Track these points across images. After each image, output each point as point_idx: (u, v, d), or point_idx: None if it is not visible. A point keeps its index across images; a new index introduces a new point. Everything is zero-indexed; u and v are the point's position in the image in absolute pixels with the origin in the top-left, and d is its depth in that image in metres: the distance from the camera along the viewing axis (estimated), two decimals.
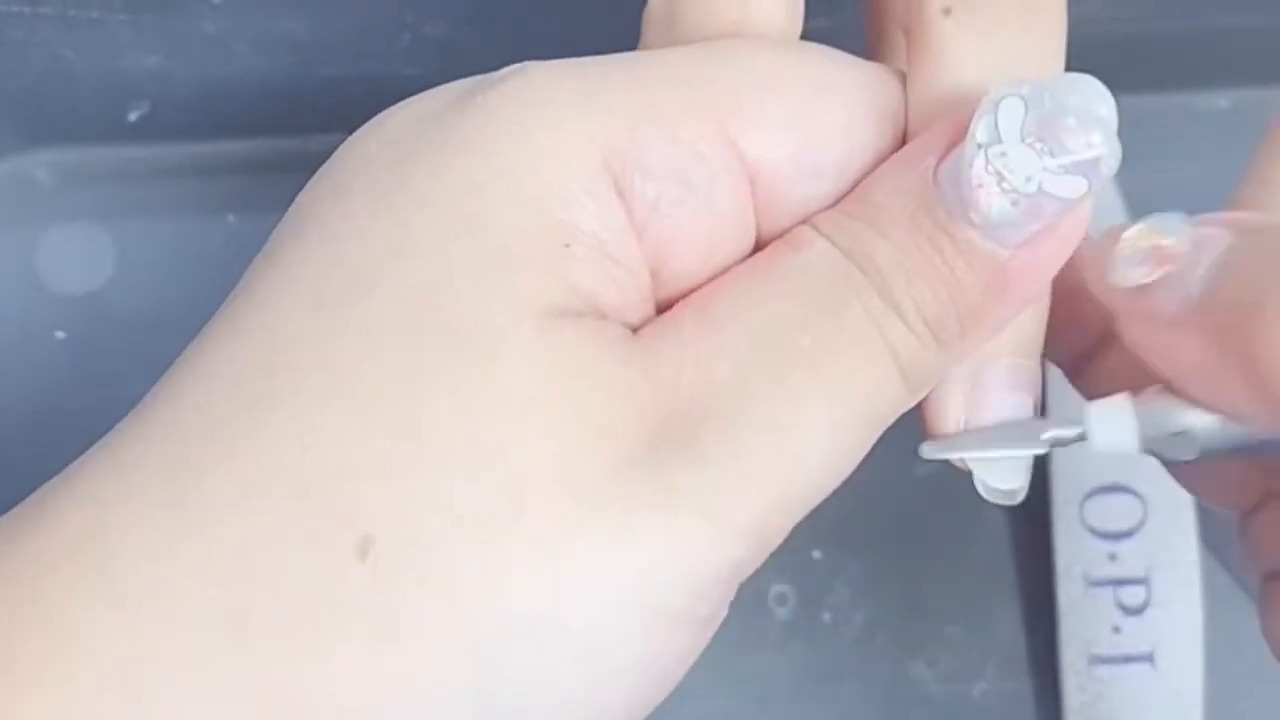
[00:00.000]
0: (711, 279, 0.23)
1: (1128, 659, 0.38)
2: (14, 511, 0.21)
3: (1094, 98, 0.21)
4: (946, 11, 0.23)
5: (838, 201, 0.23)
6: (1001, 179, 0.21)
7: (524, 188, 0.21)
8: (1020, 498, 0.24)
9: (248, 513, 0.20)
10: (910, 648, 0.40)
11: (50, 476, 0.21)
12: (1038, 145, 0.21)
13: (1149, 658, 0.38)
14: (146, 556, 0.20)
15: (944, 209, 0.22)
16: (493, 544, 0.20)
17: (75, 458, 0.21)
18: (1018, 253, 0.22)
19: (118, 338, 0.40)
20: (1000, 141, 0.21)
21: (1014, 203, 0.21)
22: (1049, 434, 0.23)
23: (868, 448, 0.23)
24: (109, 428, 0.22)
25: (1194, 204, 0.24)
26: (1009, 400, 0.24)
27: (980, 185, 0.21)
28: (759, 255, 0.23)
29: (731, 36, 0.24)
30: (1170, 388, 0.23)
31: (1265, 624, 0.27)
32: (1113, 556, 0.39)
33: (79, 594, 0.20)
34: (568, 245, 0.21)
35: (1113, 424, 0.23)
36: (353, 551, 0.20)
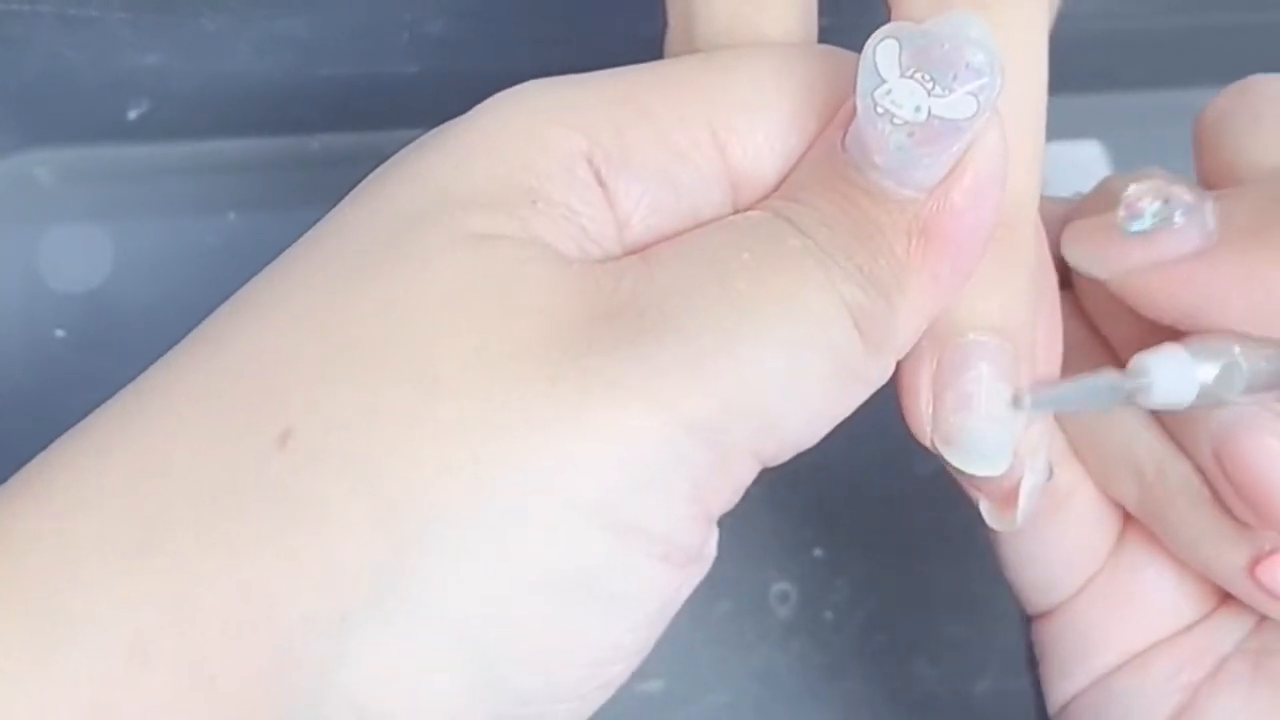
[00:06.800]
0: None
1: None
2: None
3: (965, 25, 0.21)
4: None
5: None
6: (892, 116, 0.21)
7: (500, 161, 0.22)
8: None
9: (181, 423, 0.21)
10: (912, 646, 0.40)
11: None
12: (918, 75, 0.21)
13: None
14: (81, 473, 0.21)
15: (853, 167, 0.22)
16: (408, 430, 0.20)
17: None
18: (932, 196, 0.22)
19: (118, 336, 0.40)
20: (884, 81, 0.21)
21: (909, 134, 0.21)
22: (1121, 385, 0.24)
23: (842, 400, 0.22)
24: None
25: None
26: (970, 374, 0.23)
27: (871, 125, 0.21)
28: None
29: (738, 46, 0.24)
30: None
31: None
32: None
33: (16, 505, 0.21)
34: (534, 202, 0.22)
35: (1172, 368, 0.24)
36: (273, 444, 0.20)
